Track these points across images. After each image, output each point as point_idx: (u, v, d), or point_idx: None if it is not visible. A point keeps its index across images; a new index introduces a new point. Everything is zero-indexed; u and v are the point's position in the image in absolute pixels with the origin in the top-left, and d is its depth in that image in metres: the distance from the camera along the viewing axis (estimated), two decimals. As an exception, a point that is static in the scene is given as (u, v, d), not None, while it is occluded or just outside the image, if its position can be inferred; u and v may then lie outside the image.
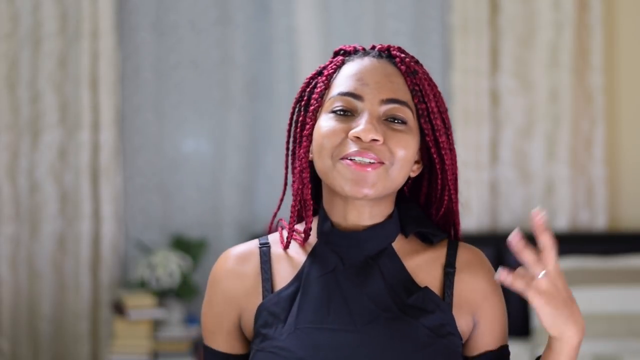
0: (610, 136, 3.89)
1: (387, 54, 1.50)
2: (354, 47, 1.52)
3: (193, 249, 3.88)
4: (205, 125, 4.09)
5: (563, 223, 3.81)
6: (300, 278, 1.45)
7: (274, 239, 1.52)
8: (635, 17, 3.91)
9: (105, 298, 3.85)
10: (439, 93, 1.50)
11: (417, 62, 1.50)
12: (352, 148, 1.40)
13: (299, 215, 1.53)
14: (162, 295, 3.75)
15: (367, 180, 1.40)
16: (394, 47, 1.50)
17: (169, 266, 3.70)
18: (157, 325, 3.75)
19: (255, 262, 1.49)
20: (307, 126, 1.47)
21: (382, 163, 1.40)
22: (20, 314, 3.87)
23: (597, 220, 3.84)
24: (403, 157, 1.42)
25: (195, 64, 4.04)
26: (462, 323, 1.44)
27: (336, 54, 1.53)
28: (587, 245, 3.69)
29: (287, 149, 1.54)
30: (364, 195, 1.40)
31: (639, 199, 3.90)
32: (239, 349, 1.51)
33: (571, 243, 3.72)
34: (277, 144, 4.02)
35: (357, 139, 1.40)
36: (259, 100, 4.05)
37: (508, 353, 1.49)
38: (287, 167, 1.54)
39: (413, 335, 1.39)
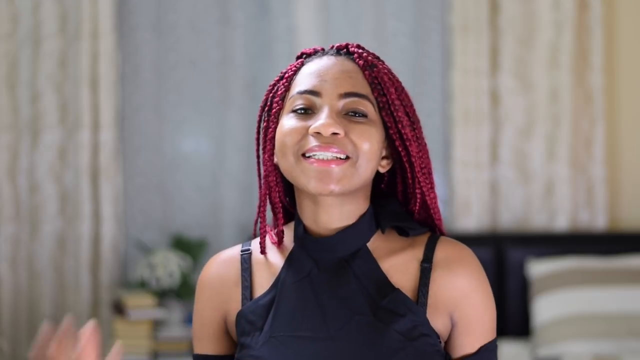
0: (610, 136, 3.89)
1: (345, 51, 1.49)
2: (314, 49, 1.52)
3: (193, 249, 3.88)
4: (205, 125, 4.09)
5: (563, 223, 3.81)
6: (277, 284, 1.45)
7: (255, 245, 1.52)
8: (635, 17, 3.91)
9: (105, 298, 3.86)
10: (401, 87, 1.48)
11: (376, 57, 1.50)
12: (314, 143, 1.39)
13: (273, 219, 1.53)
14: (162, 295, 3.75)
15: (331, 176, 1.39)
16: (352, 44, 1.50)
17: (169, 266, 3.70)
18: (157, 325, 3.75)
19: (236, 269, 1.50)
20: (270, 130, 1.48)
21: (348, 158, 1.40)
22: (20, 314, 3.87)
23: (597, 220, 3.84)
24: (368, 149, 1.41)
25: (195, 64, 4.04)
26: (439, 323, 1.42)
27: (298, 57, 1.53)
28: (587, 245, 3.69)
29: (258, 156, 1.53)
30: (329, 192, 1.39)
31: (639, 199, 3.90)
32: (228, 350, 1.51)
33: (571, 243, 3.72)
34: (277, 144, 4.02)
35: (318, 134, 1.39)
36: (259, 100, 4.03)
37: (493, 348, 1.46)
38: (259, 174, 1.53)
39: (385, 341, 1.38)
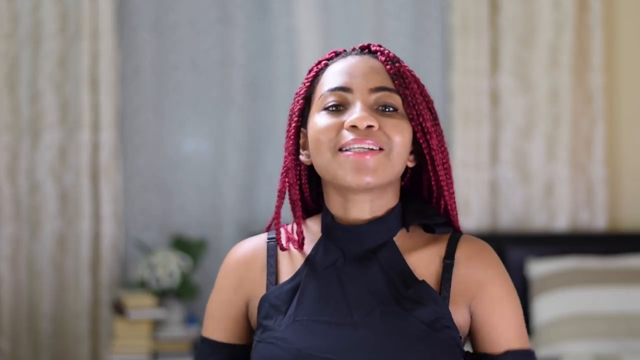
0: (610, 136, 3.90)
1: (367, 51, 1.53)
2: (335, 52, 1.55)
3: (193, 249, 3.87)
4: (205, 125, 4.09)
5: (563, 223, 3.81)
6: (302, 271, 1.49)
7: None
8: (635, 17, 3.91)
9: (105, 298, 3.85)
10: (422, 84, 1.52)
11: (397, 57, 1.53)
12: (350, 137, 1.42)
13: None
14: (162, 295, 3.75)
15: (367, 167, 1.42)
16: (373, 44, 1.54)
17: (169, 266, 3.70)
18: (157, 325, 3.75)
19: (262, 256, 1.54)
20: (291, 127, 1.51)
21: (381, 149, 1.43)
22: (20, 313, 3.87)
23: (597, 220, 3.84)
24: (400, 142, 1.45)
25: (195, 64, 4.04)
26: (458, 315, 1.46)
27: (318, 63, 1.55)
28: (587, 245, 3.69)
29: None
30: (366, 183, 1.42)
31: (639, 199, 3.90)
32: (240, 338, 1.54)
33: (571, 243, 3.72)
34: (277, 144, 4.02)
35: (354, 127, 1.43)
36: (259, 100, 4.05)
37: (532, 353, 1.48)
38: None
39: (408, 329, 1.41)
